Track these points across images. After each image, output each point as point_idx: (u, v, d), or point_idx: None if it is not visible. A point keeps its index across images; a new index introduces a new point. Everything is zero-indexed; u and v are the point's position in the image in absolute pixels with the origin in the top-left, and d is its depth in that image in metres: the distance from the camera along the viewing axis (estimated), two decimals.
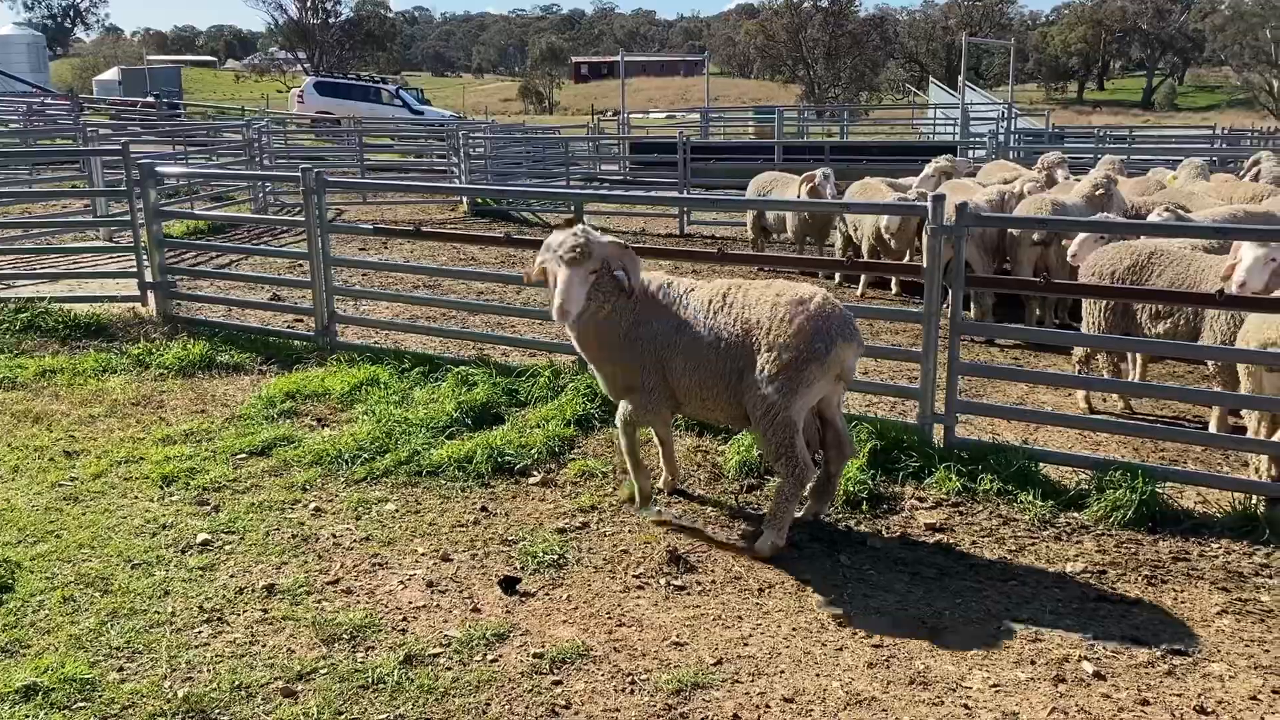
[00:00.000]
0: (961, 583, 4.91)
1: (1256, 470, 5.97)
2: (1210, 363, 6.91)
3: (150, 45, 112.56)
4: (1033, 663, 4.23)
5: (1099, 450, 6.67)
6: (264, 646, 4.28)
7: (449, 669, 4.13)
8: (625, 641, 4.36)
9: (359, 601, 4.68)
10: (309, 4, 72.46)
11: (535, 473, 6.16)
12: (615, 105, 42.76)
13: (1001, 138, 23.09)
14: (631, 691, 4.00)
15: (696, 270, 11.80)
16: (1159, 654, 4.28)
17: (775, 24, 70.34)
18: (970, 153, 20.27)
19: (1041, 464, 6.01)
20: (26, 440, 6.64)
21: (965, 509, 5.67)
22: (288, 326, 9.52)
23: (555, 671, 4.13)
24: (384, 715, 3.83)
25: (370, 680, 4.02)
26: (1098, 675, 4.12)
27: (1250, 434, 6.13)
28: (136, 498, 5.79)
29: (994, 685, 4.05)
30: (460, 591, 4.79)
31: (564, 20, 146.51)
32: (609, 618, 4.56)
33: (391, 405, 7.07)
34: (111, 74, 56.86)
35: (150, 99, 41.74)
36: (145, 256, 9.60)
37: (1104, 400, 7.82)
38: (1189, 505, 5.72)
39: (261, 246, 14.15)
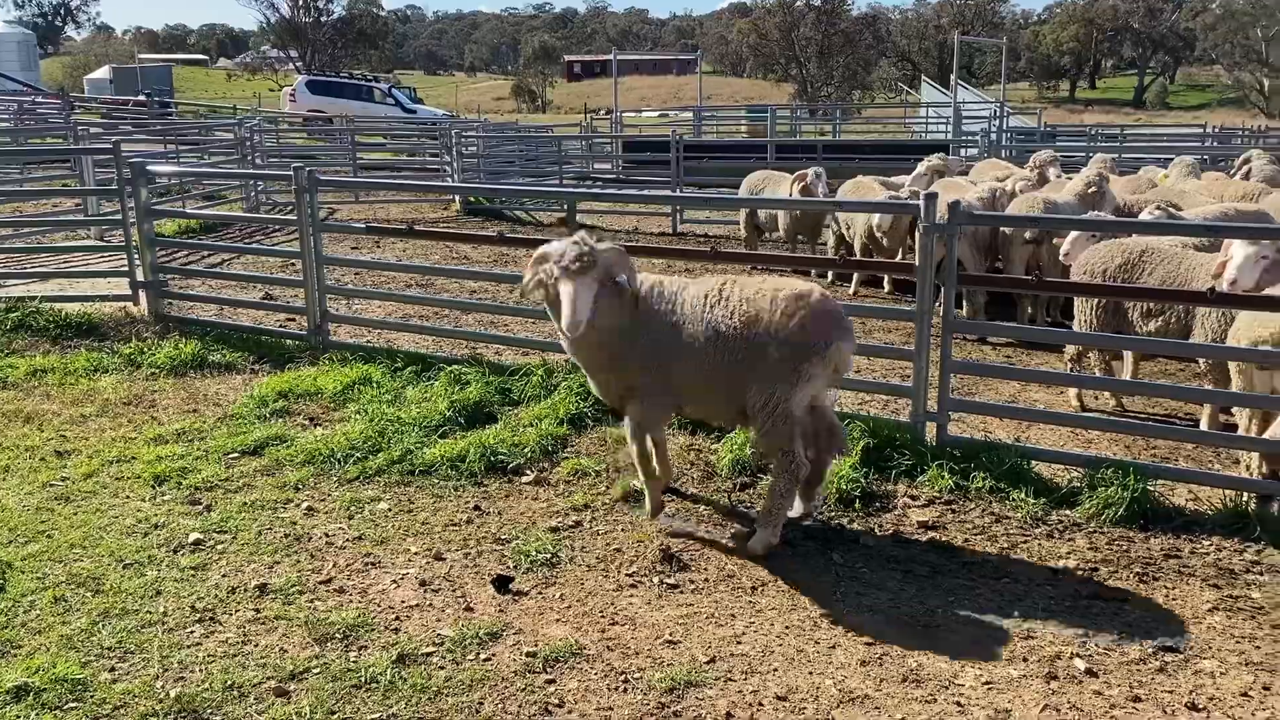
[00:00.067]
0: (954, 580, 4.92)
1: (1247, 468, 5.99)
2: (1201, 360, 6.93)
3: (141, 44, 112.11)
4: (1025, 660, 4.24)
5: (1091, 448, 6.69)
6: (256, 646, 4.27)
7: (442, 668, 4.13)
8: (618, 640, 4.36)
9: (352, 601, 4.67)
10: (301, 2, 72.23)
11: (528, 471, 6.16)
12: (608, 104, 42.76)
13: (994, 136, 23.16)
14: (625, 690, 4.00)
15: (689, 269, 11.81)
16: (1151, 651, 4.29)
17: (768, 23, 70.36)
18: (963, 151, 20.30)
19: (1034, 462, 6.02)
20: (17, 440, 6.62)
21: (958, 507, 5.68)
22: (280, 325, 9.50)
23: (548, 670, 4.13)
24: (377, 715, 3.82)
25: (363, 680, 4.02)
26: (1090, 672, 4.13)
27: (1241, 431, 6.16)
28: (128, 497, 5.78)
29: (986, 682, 4.06)
30: (453, 590, 4.78)
31: (557, 19, 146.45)
32: (602, 616, 4.56)
33: (384, 404, 7.07)
34: (103, 72, 56.67)
35: (142, 98, 41.59)
36: (137, 255, 9.57)
37: (1096, 398, 7.84)
38: (1180, 503, 5.73)
39: (253, 245, 14.12)
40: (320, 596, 4.71)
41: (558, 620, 4.53)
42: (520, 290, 5.31)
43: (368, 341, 8.88)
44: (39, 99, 36.50)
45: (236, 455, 6.40)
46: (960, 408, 6.62)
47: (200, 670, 4.08)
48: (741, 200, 13.46)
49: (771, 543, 5.15)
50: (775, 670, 4.15)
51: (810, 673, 4.13)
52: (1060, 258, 8.24)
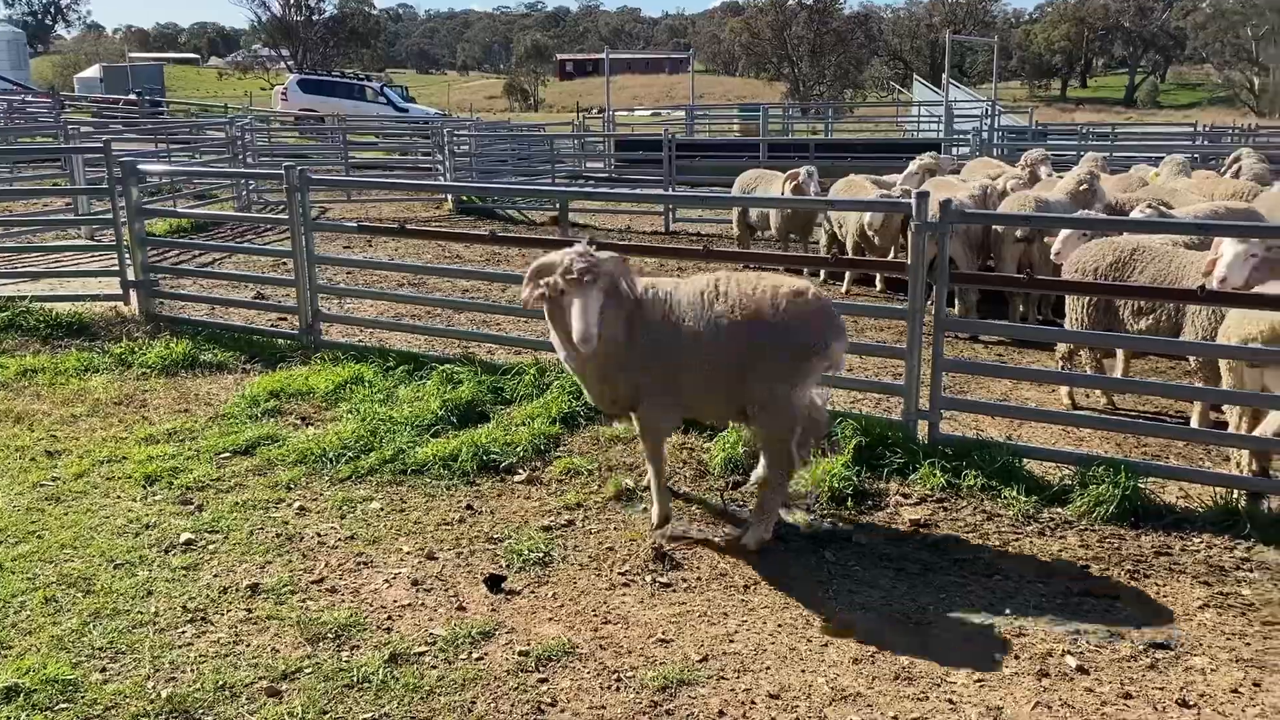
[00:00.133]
0: (946, 578, 4.93)
1: (1238, 465, 6.00)
2: (1192, 358, 6.96)
3: (132, 42, 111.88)
4: (1017, 657, 4.25)
5: (1082, 446, 6.71)
6: (248, 646, 4.26)
7: (434, 668, 4.13)
8: (611, 639, 4.36)
9: (344, 600, 4.66)
10: (292, 1, 72.13)
11: (521, 470, 6.15)
12: (600, 103, 42.71)
13: (985, 135, 23.17)
14: (617, 689, 4.00)
15: (682, 267, 11.81)
16: (1141, 648, 4.30)
17: (760, 21, 70.47)
18: (954, 150, 20.36)
19: (1025, 460, 6.03)
20: (7, 440, 6.59)
21: (950, 505, 5.69)
22: (271, 325, 9.48)
23: (541, 669, 4.12)
24: (369, 714, 3.82)
25: (355, 679, 4.01)
26: (1081, 669, 4.14)
27: (1231, 429, 6.17)
28: (119, 497, 5.76)
29: (978, 680, 4.07)
30: (445, 590, 4.78)
31: (549, 17, 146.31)
32: (595, 615, 4.56)
33: (376, 404, 7.05)
34: (93, 71, 56.47)
35: (132, 96, 41.40)
36: (127, 255, 9.54)
37: (1087, 396, 7.86)
38: (1171, 500, 5.75)
39: (245, 245, 14.09)
40: (312, 596, 4.70)
41: (550, 619, 4.52)
42: (522, 303, 5.05)
43: (360, 341, 8.87)
44: (29, 98, 36.35)
45: (228, 455, 6.38)
46: (952, 406, 6.64)
47: (192, 670, 4.07)
48: (734, 199, 13.45)
49: (765, 538, 5.18)
50: (768, 668, 4.15)
51: (803, 671, 4.14)
52: (1052, 256, 8.26)
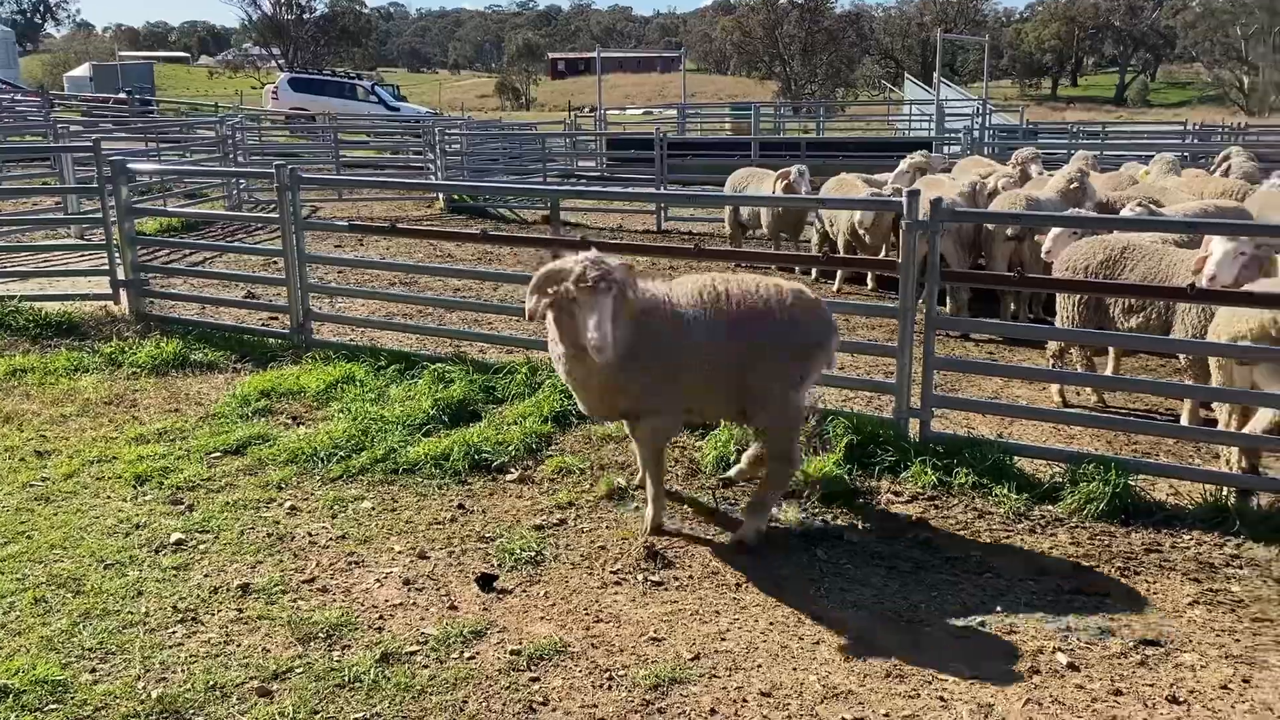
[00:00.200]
0: (937, 576, 4.94)
1: (1227, 462, 6.03)
2: (1182, 356, 6.98)
3: (122, 41, 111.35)
4: (1008, 654, 4.26)
5: (1073, 444, 6.73)
6: (239, 646, 4.25)
7: (426, 667, 4.12)
8: (603, 637, 4.36)
9: (335, 600, 4.65)
10: (283, 0, 71.97)
11: (513, 470, 6.15)
12: (592, 101, 42.72)
13: (976, 134, 23.22)
14: (609, 687, 4.00)
15: (674, 266, 11.82)
16: (1132, 645, 4.32)
17: (751, 20, 70.52)
18: (945, 149, 20.35)
19: (1016, 457, 6.04)
20: None
21: (941, 503, 5.70)
22: (262, 324, 9.46)
23: (533, 668, 4.12)
24: (360, 714, 3.81)
25: (346, 679, 4.00)
26: (1071, 666, 4.15)
27: (1221, 426, 6.20)
28: (109, 497, 5.74)
29: (970, 677, 4.07)
30: (437, 589, 4.77)
31: (540, 16, 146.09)
32: (586, 614, 4.56)
33: (367, 403, 7.04)
34: (83, 70, 56.29)
35: (122, 95, 41.26)
36: (117, 254, 9.51)
37: (1078, 394, 7.88)
38: (1161, 497, 5.77)
39: (235, 244, 14.04)
40: (303, 596, 4.69)
41: (542, 618, 4.52)
42: (528, 314, 4.88)
43: (351, 340, 8.85)
44: (18, 97, 36.21)
45: (219, 454, 6.36)
46: (943, 404, 6.65)
47: (182, 671, 4.06)
48: (725, 198, 13.48)
49: (762, 530, 5.23)
50: (759, 666, 4.15)
51: (794, 669, 4.14)
52: (1042, 254, 8.28)
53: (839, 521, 5.53)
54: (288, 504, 5.67)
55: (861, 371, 8.24)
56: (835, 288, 11.82)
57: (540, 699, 3.92)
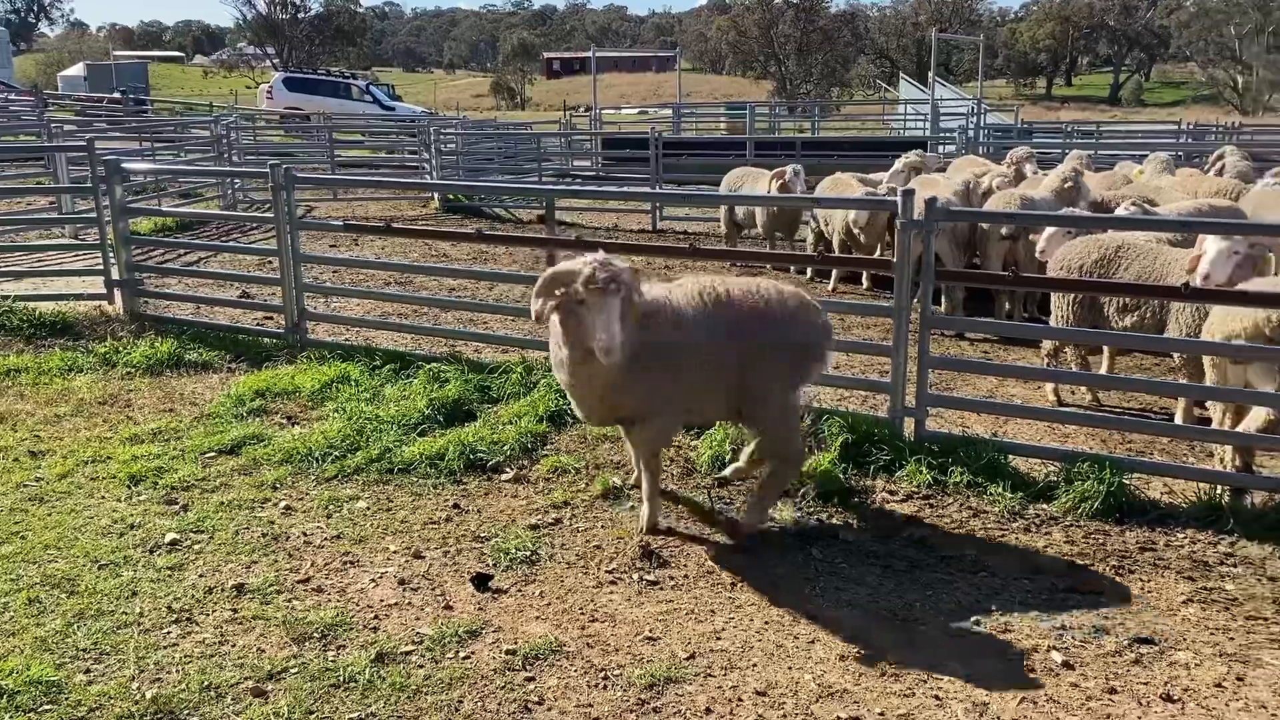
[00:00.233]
0: (932, 575, 4.94)
1: (1221, 461, 6.04)
2: (1176, 355, 6.99)
3: (116, 40, 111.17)
4: (1002, 653, 4.26)
5: (1067, 442, 6.74)
6: (234, 646, 4.24)
7: (421, 667, 4.12)
8: (598, 637, 4.36)
9: (330, 600, 4.65)
10: None
11: (508, 469, 6.15)
12: (587, 101, 42.71)
13: (971, 133, 23.23)
14: (604, 687, 4.00)
15: (669, 265, 11.82)
16: (1126, 643, 4.33)
17: (747, 20, 70.61)
18: (940, 148, 20.39)
19: (1011, 456, 6.05)
20: None
21: (936, 502, 5.71)
22: (257, 324, 9.45)
23: (528, 668, 4.12)
24: (355, 714, 3.80)
25: (341, 679, 4.00)
26: (1066, 665, 4.16)
27: (1215, 425, 6.21)
28: (103, 498, 5.73)
29: (964, 676, 4.08)
30: (432, 589, 4.77)
31: (535, 16, 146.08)
32: (582, 613, 4.56)
33: (362, 403, 7.03)
34: (77, 69, 56.14)
35: (116, 95, 41.19)
36: (112, 254, 9.49)
37: (1072, 393, 7.89)
38: (1155, 496, 5.78)
39: (230, 243, 14.02)
40: (298, 596, 4.68)
41: (537, 618, 4.52)
42: (534, 316, 4.78)
43: (346, 340, 8.84)
44: (12, 96, 36.11)
45: (213, 454, 6.35)
46: (938, 403, 6.66)
47: (177, 671, 4.06)
48: (720, 197, 13.48)
49: (762, 522, 5.30)
50: (754, 665, 4.15)
51: (789, 668, 4.14)
52: (1037, 254, 8.29)
53: (834, 520, 5.54)
54: (283, 504, 5.67)
55: (857, 371, 8.25)
56: (830, 287, 11.82)
57: (535, 698, 3.92)
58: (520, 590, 4.77)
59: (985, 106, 31.46)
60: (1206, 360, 6.23)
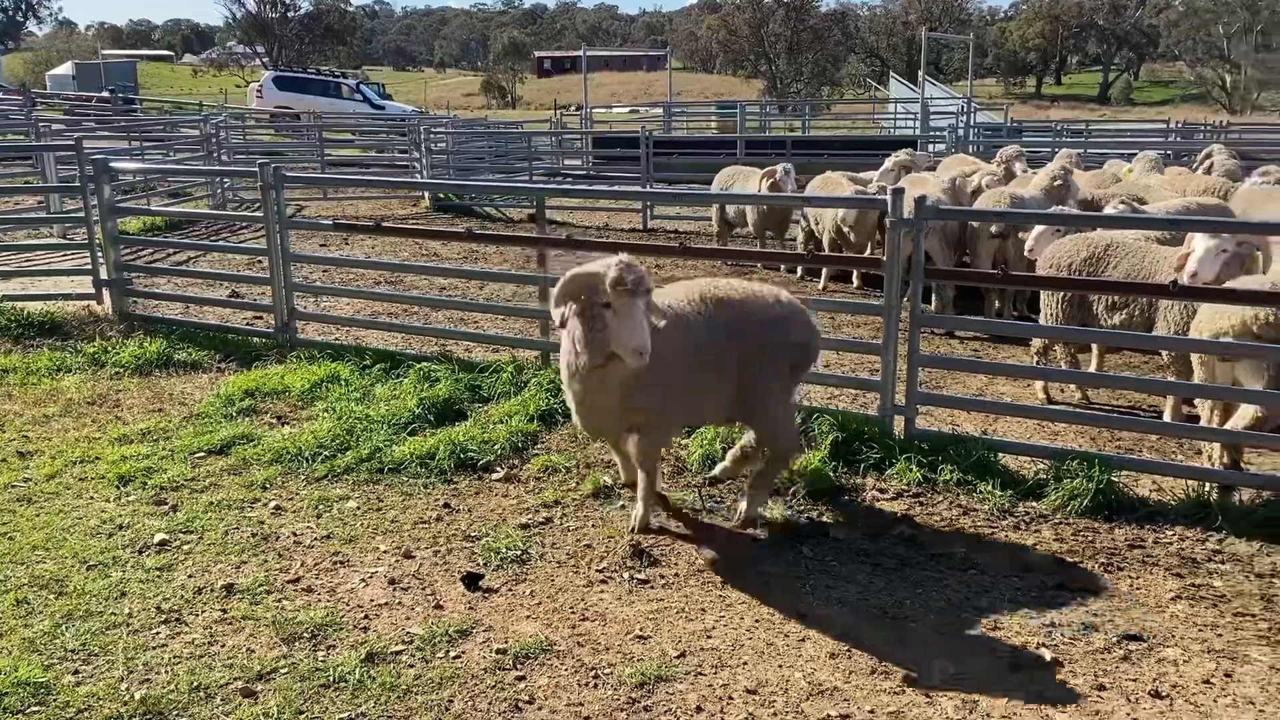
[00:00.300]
0: (922, 573, 4.95)
1: (1209, 458, 6.07)
2: (1165, 353, 7.02)
3: (105, 39, 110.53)
4: (992, 650, 4.27)
5: (1057, 440, 6.76)
6: (223, 647, 4.23)
7: (411, 666, 4.11)
8: (589, 636, 4.36)
9: (320, 600, 4.64)
10: None
11: (499, 468, 6.14)
12: (578, 100, 42.68)
13: (961, 132, 23.31)
14: (595, 685, 4.00)
15: (660, 264, 11.82)
16: (1115, 640, 4.34)
17: (737, 19, 70.58)
18: (930, 147, 20.41)
19: (1001, 454, 6.07)
20: None
21: (926, 499, 5.72)
22: (247, 323, 9.42)
23: (519, 667, 4.12)
24: (345, 714, 3.80)
25: (331, 679, 3.99)
26: (1056, 661, 4.17)
27: (1204, 422, 6.23)
28: (92, 498, 5.71)
29: (954, 673, 4.09)
30: (423, 589, 4.76)
31: (526, 15, 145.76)
32: (572, 612, 4.55)
33: (353, 402, 7.02)
34: (65, 69, 55.97)
35: (105, 94, 41.07)
36: (100, 253, 9.46)
37: (1062, 391, 7.91)
38: (1144, 493, 5.80)
39: (220, 243, 13.98)
40: (288, 596, 4.67)
41: (528, 617, 4.52)
42: (558, 321, 4.69)
43: (336, 339, 8.82)
44: (0, 95, 35.94)
45: (203, 454, 6.33)
46: (928, 401, 6.67)
47: (166, 672, 4.04)
48: (710, 196, 13.50)
49: (757, 514, 5.37)
50: (745, 664, 4.16)
51: (780, 666, 4.15)
52: (1026, 252, 8.31)
53: (824, 518, 5.54)
54: (272, 504, 5.65)
55: (847, 369, 8.26)
56: (821, 285, 11.83)
57: (526, 698, 3.92)
58: (511, 589, 4.76)
59: (975, 105, 31.51)
60: (1195, 358, 6.25)
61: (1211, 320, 5.89)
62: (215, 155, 18.82)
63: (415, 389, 7.13)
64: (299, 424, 6.83)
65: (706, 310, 5.12)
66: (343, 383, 7.42)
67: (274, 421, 6.92)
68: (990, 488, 5.71)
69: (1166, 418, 6.95)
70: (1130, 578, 4.90)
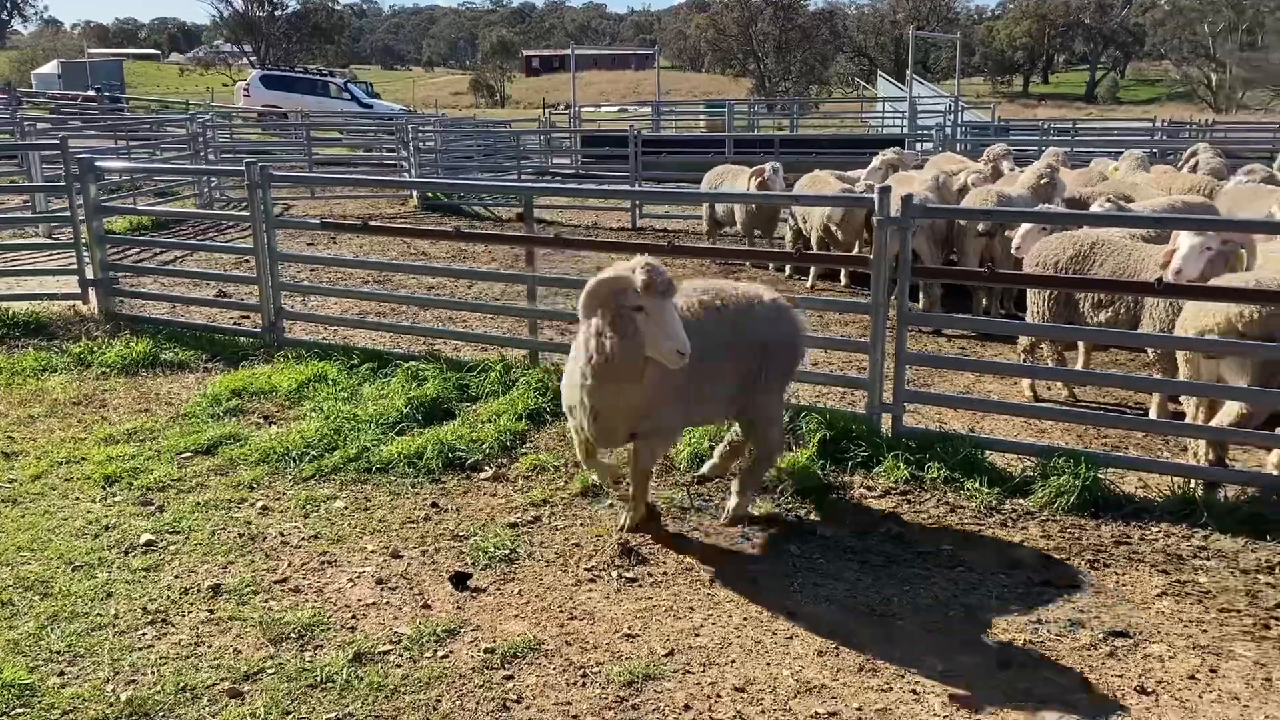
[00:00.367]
0: (910, 570, 4.97)
1: (1195, 455, 6.09)
2: (1150, 350, 7.05)
3: (91, 38, 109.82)
4: (979, 647, 4.29)
5: (1044, 438, 6.78)
6: (210, 647, 4.22)
7: (399, 666, 4.10)
8: (577, 634, 4.36)
9: (307, 600, 4.63)
10: None
11: (487, 468, 6.13)
12: (566, 99, 42.64)
13: (948, 130, 23.33)
14: (583, 684, 4.00)
15: None
16: (1101, 636, 4.36)
17: (725, 18, 70.65)
18: (918, 145, 20.47)
19: (988, 452, 6.09)
20: None
21: (913, 497, 5.73)
22: (234, 323, 9.39)
23: (506, 666, 4.11)
24: (333, 714, 3.79)
25: (319, 679, 3.98)
26: (1042, 658, 4.19)
27: (1189, 420, 6.26)
28: (78, 499, 5.68)
29: (942, 670, 4.10)
30: (410, 588, 4.75)
31: (514, 13, 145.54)
32: (561, 611, 4.55)
33: (340, 402, 7.00)
34: (51, 67, 55.69)
35: (91, 93, 40.87)
36: (86, 253, 9.41)
37: (1048, 388, 7.94)
38: (1130, 490, 5.83)
39: (206, 242, 13.93)
40: (275, 596, 4.66)
41: (516, 616, 4.51)
42: (595, 330, 4.61)
43: (323, 339, 8.80)
44: None
45: (189, 455, 6.31)
46: (915, 399, 6.69)
47: (152, 673, 4.03)
48: (699, 194, 13.51)
49: (745, 510, 5.40)
50: (733, 662, 4.16)
51: (768, 664, 4.15)
52: (1013, 250, 8.34)
53: (812, 516, 5.55)
54: (259, 504, 5.63)
55: (834, 367, 8.27)
56: (809, 284, 11.86)
57: (514, 697, 3.92)
58: (499, 589, 4.76)
59: (962, 104, 31.61)
60: (1180, 355, 6.28)
61: (1196, 318, 5.92)
62: (202, 154, 18.75)
63: (403, 388, 7.12)
64: (286, 424, 6.81)
65: (710, 313, 5.14)
66: (330, 382, 7.40)
67: (261, 421, 6.90)
68: (977, 485, 5.73)
69: (1152, 415, 6.98)
70: (1116, 574, 4.92)
